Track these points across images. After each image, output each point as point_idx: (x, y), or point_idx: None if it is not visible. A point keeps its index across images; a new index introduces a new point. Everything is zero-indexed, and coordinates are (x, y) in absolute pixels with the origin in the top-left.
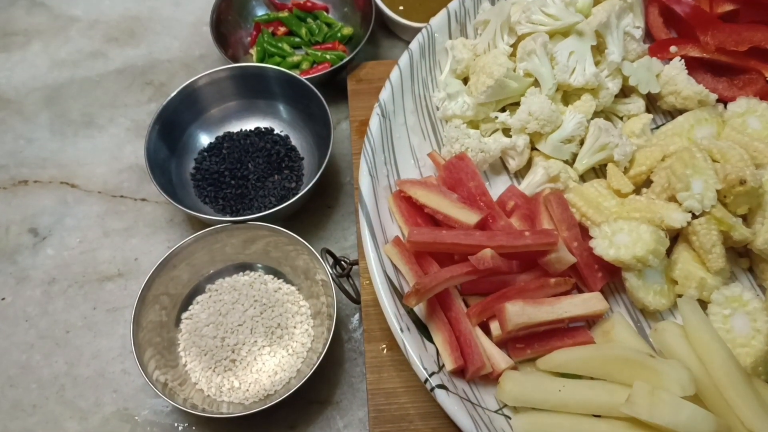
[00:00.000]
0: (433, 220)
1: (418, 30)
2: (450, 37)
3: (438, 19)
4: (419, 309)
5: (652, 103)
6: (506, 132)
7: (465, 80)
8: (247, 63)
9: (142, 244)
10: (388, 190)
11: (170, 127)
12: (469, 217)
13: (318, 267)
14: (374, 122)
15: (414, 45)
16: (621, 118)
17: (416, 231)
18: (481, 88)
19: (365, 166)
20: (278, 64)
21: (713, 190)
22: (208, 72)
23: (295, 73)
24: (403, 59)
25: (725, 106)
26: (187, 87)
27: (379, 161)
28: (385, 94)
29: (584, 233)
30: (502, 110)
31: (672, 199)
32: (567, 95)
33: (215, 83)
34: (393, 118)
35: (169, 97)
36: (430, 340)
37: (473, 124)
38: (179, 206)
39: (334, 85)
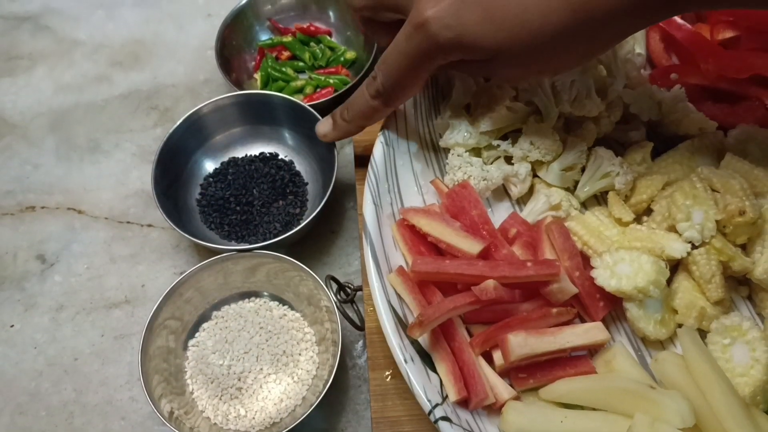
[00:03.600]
0: (437, 248)
1: None
2: None
3: None
4: (423, 338)
5: (653, 129)
6: (508, 159)
7: (468, 106)
8: (251, 89)
9: (149, 271)
10: (392, 218)
11: (175, 155)
12: (471, 246)
13: (322, 294)
14: (378, 151)
15: None
16: (622, 145)
17: (420, 261)
18: (482, 117)
19: (369, 195)
20: (282, 89)
21: (713, 221)
22: (213, 100)
23: (298, 100)
24: None
25: (725, 134)
26: (192, 115)
27: (382, 189)
28: (388, 123)
29: (586, 262)
30: (504, 138)
31: (672, 228)
32: (569, 123)
33: (220, 110)
34: (396, 146)
35: (175, 126)
36: (434, 369)
37: (475, 151)
38: (185, 234)
39: None
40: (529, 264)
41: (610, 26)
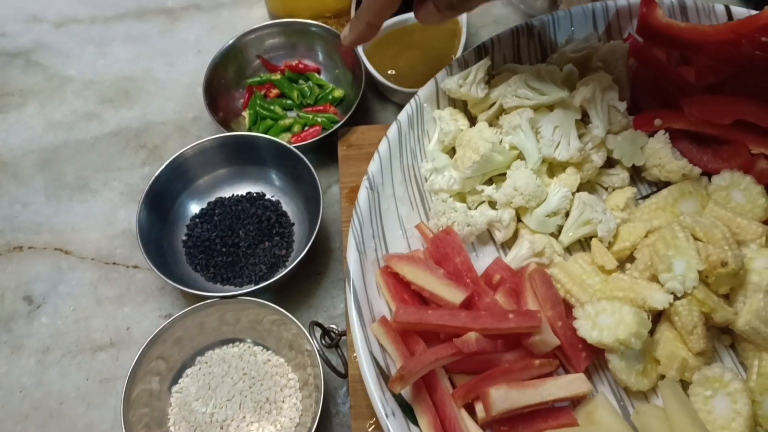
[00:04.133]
0: (420, 295)
1: (408, 94)
2: (438, 107)
3: (426, 90)
4: (405, 389)
5: (637, 172)
6: (492, 204)
7: (453, 149)
8: (239, 128)
9: (134, 313)
10: (376, 264)
11: (161, 197)
12: (454, 295)
13: (305, 340)
14: (362, 195)
15: (402, 116)
16: (606, 189)
17: (402, 311)
18: (467, 163)
19: (353, 242)
20: (270, 127)
21: (695, 272)
22: (199, 142)
23: (284, 142)
24: (392, 130)
25: (709, 179)
26: (177, 158)
27: (367, 235)
28: (373, 167)
29: (568, 310)
30: (489, 181)
31: (655, 277)
32: (552, 167)
33: (205, 152)
34: (381, 190)
35: (160, 169)
36: (416, 423)
37: (460, 196)
38: (168, 280)
39: (326, 148)
40: (511, 316)
41: None
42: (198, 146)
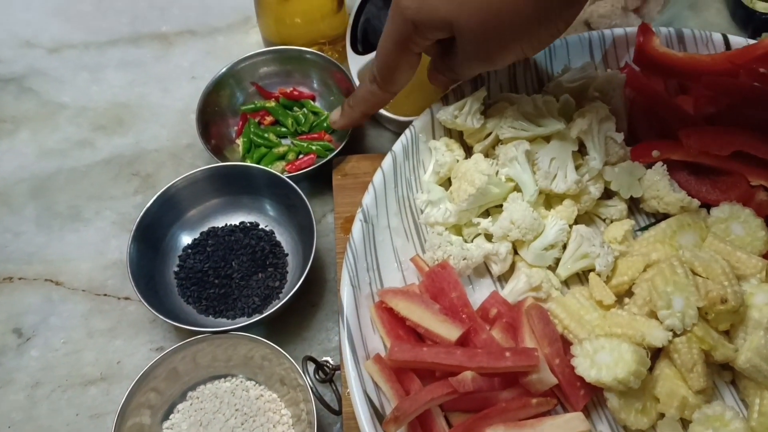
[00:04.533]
0: (416, 331)
1: (403, 123)
2: (434, 137)
3: (421, 120)
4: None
5: (635, 203)
6: (489, 237)
7: (449, 179)
8: (233, 155)
9: (125, 346)
10: (371, 298)
11: (153, 229)
12: (450, 332)
13: (298, 375)
14: (356, 228)
15: (397, 146)
16: (604, 221)
17: (397, 348)
18: (462, 196)
19: (347, 276)
20: (264, 155)
21: (694, 308)
22: (191, 173)
23: (276, 171)
24: (386, 161)
25: (708, 210)
26: (169, 188)
27: (361, 268)
28: (368, 199)
29: (566, 346)
30: (486, 213)
31: (654, 313)
32: (549, 198)
33: (198, 182)
34: (376, 222)
35: (151, 200)
36: None
37: (456, 228)
38: (159, 315)
39: (321, 176)
40: (507, 354)
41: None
42: (189, 177)
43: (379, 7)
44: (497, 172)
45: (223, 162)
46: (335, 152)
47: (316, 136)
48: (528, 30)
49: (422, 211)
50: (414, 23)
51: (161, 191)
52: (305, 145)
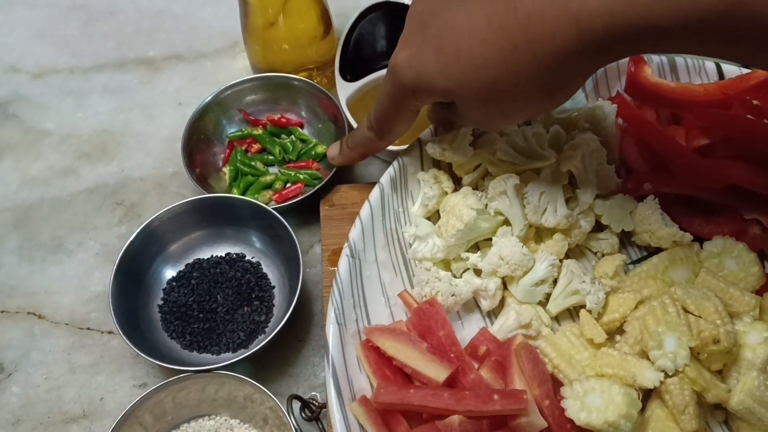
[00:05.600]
0: (403, 371)
1: (392, 152)
2: (422, 168)
3: (409, 151)
4: None
5: (627, 236)
6: (478, 271)
7: (437, 212)
8: (218, 184)
9: (108, 382)
10: (357, 336)
11: (136, 262)
12: (437, 373)
13: (283, 414)
14: (343, 264)
15: (385, 178)
16: (595, 254)
17: (383, 390)
18: (450, 231)
19: (332, 315)
20: (251, 184)
21: (686, 348)
22: (175, 204)
23: (260, 202)
24: (374, 194)
25: (701, 244)
26: (152, 221)
27: (347, 305)
28: (354, 233)
29: (556, 386)
30: (475, 246)
31: (645, 353)
32: (540, 231)
33: (182, 215)
34: (363, 257)
35: (134, 234)
36: None
37: (444, 262)
38: (141, 353)
39: (308, 205)
40: (496, 397)
41: (560, 69)
42: (173, 209)
43: (369, 33)
44: (486, 206)
45: (208, 191)
46: (323, 182)
47: (303, 164)
48: (528, 104)
49: (410, 245)
50: (409, 88)
51: (144, 224)
52: (293, 173)
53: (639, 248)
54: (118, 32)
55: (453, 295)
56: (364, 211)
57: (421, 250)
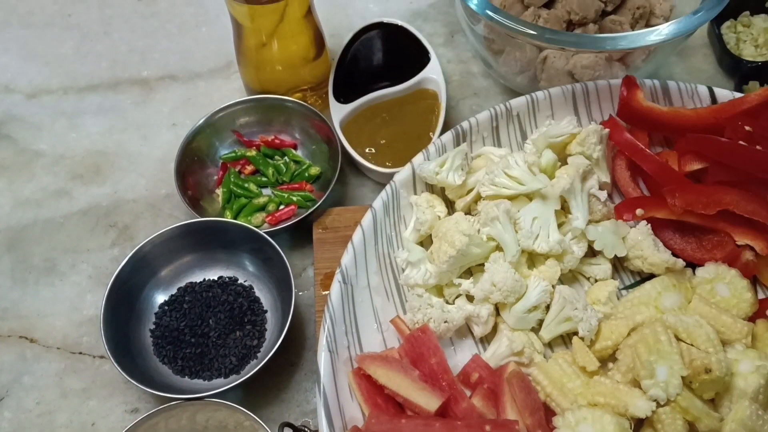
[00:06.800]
0: (395, 399)
1: (385, 174)
2: (415, 192)
3: (402, 175)
4: None
5: (620, 260)
6: (470, 297)
7: (430, 236)
8: (210, 209)
9: (99, 407)
10: (349, 363)
11: (128, 287)
12: (429, 402)
13: None
14: (335, 291)
15: (377, 203)
16: (588, 279)
17: (374, 420)
18: (443, 257)
19: (324, 342)
20: (244, 206)
21: (678, 378)
22: (167, 228)
23: (252, 226)
24: (366, 219)
25: (694, 270)
26: (145, 245)
27: (339, 332)
28: (347, 259)
29: (549, 414)
30: (468, 271)
31: (638, 381)
32: (533, 256)
33: (174, 238)
34: (355, 282)
35: (127, 258)
36: None
37: (437, 288)
38: (132, 380)
39: (301, 228)
40: (487, 428)
41: None
42: (165, 233)
43: (363, 54)
44: (479, 230)
45: (201, 213)
46: (316, 205)
47: (297, 186)
48: None
49: (403, 270)
50: None
51: (136, 249)
52: (286, 195)
53: (632, 273)
54: (112, 52)
55: (445, 321)
56: (356, 236)
57: (413, 276)
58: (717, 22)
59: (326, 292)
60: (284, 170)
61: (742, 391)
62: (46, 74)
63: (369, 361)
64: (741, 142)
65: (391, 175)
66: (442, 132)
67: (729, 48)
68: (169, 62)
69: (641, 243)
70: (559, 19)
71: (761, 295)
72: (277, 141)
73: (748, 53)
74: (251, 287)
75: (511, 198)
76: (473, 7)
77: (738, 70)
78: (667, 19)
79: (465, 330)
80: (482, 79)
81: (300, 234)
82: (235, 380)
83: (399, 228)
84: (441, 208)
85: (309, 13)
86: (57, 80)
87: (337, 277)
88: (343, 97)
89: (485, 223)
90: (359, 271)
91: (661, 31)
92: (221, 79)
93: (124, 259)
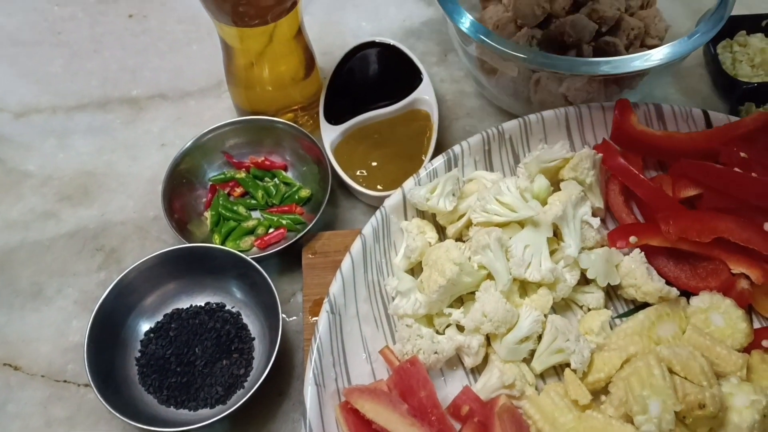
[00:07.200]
0: None
1: (376, 198)
2: (405, 217)
3: (392, 200)
4: None
5: (613, 288)
6: (461, 327)
7: (420, 262)
8: (198, 232)
9: None
10: (336, 396)
11: (114, 314)
12: None
13: None
14: (323, 322)
15: (367, 229)
16: (581, 307)
17: None
18: (433, 287)
19: (311, 375)
20: (233, 229)
21: (671, 413)
22: (154, 255)
23: (239, 252)
24: (356, 246)
25: (688, 298)
26: (131, 272)
27: (327, 364)
28: (335, 288)
29: None
30: (459, 299)
31: (630, 417)
32: (524, 284)
33: (161, 264)
34: (344, 311)
35: (113, 284)
36: None
37: (427, 317)
38: (115, 413)
39: (291, 252)
40: None
41: None
42: (151, 260)
43: (355, 74)
44: (470, 258)
45: (188, 237)
46: (306, 229)
47: (286, 208)
48: None
49: (393, 299)
50: None
51: (122, 275)
52: (275, 218)
53: (626, 300)
54: (102, 70)
55: (435, 352)
56: (345, 264)
57: (402, 306)
58: (713, 41)
59: (315, 318)
60: (274, 192)
61: (736, 426)
62: (35, 93)
63: (357, 394)
64: (736, 169)
65: (382, 199)
66: (435, 154)
67: (725, 68)
68: (159, 81)
69: (634, 271)
70: (553, 40)
71: (756, 325)
72: (267, 162)
73: (744, 73)
74: (239, 313)
75: (502, 225)
76: (465, 30)
77: (734, 92)
78: (662, 40)
79: (456, 360)
80: (475, 99)
81: (290, 258)
82: (222, 411)
83: (389, 254)
84: (432, 234)
85: (299, 33)
86: (46, 99)
87: (325, 307)
88: (334, 118)
89: (476, 252)
90: (348, 300)
91: (656, 56)
92: (212, 98)
93: (109, 287)
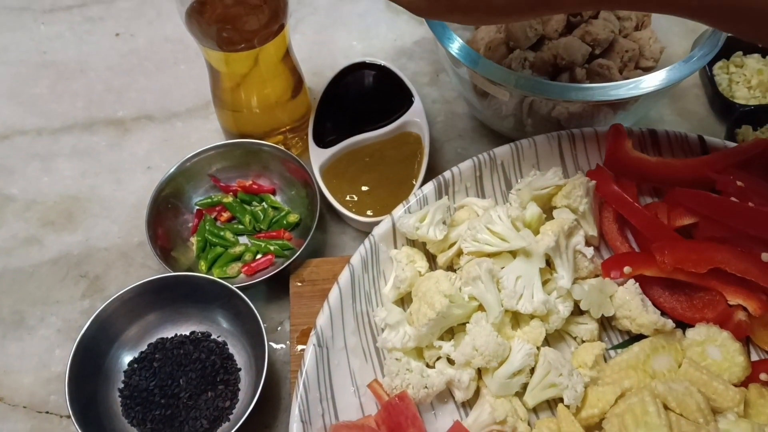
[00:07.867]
0: None
1: (365, 223)
2: (395, 246)
3: (381, 228)
4: None
5: (608, 319)
6: (451, 360)
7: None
8: (184, 259)
9: None
10: None
11: (96, 344)
12: None
13: None
14: (309, 356)
15: (355, 259)
16: (575, 338)
17: None
18: (422, 320)
19: (297, 412)
20: (220, 255)
21: None
22: (137, 284)
23: (224, 281)
24: (344, 276)
25: (684, 330)
26: (114, 300)
27: (313, 400)
28: (322, 320)
29: None
30: (450, 330)
31: None
32: (517, 316)
33: (145, 294)
34: (331, 344)
35: (95, 314)
36: None
37: (416, 350)
38: None
39: (279, 279)
40: None
41: None
42: (135, 289)
43: (345, 95)
44: (460, 289)
45: (172, 265)
46: (294, 256)
47: (274, 234)
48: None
49: (382, 330)
50: None
51: (105, 304)
52: (263, 244)
53: (620, 332)
54: (88, 91)
55: (425, 387)
56: (333, 294)
57: (391, 339)
58: (709, 62)
59: (303, 347)
60: (262, 217)
61: None
62: (19, 114)
63: (345, 431)
64: (733, 198)
65: (372, 224)
66: (426, 177)
67: (721, 89)
68: (146, 101)
69: (629, 303)
70: (545, 62)
71: (754, 357)
72: (255, 186)
73: (741, 95)
74: (225, 343)
75: (493, 255)
76: (455, 54)
77: (731, 114)
78: (656, 61)
79: (446, 393)
80: (468, 120)
81: (277, 285)
82: None
83: (378, 284)
84: (422, 263)
85: (287, 55)
86: (31, 121)
87: (312, 340)
88: (323, 140)
89: (467, 283)
90: (336, 332)
91: (651, 82)
92: (199, 119)
93: (91, 317)
